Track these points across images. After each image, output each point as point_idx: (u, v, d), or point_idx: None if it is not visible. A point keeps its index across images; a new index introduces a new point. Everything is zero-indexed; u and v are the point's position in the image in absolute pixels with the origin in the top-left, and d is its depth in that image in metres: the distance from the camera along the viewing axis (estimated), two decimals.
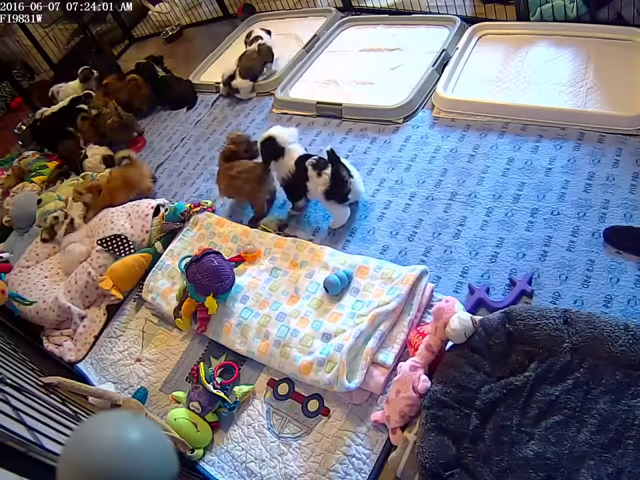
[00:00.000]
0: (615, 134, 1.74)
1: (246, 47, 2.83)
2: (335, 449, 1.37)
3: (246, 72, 2.73)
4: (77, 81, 3.47)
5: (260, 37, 2.76)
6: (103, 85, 3.19)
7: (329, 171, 1.75)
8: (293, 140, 1.89)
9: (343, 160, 1.77)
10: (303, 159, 1.84)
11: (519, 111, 1.95)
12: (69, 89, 3.46)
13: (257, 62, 2.75)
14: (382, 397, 1.39)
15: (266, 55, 2.77)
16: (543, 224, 1.62)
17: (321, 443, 1.40)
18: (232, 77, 2.78)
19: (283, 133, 1.88)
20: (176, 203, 2.19)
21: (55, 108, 3.26)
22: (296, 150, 1.88)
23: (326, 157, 1.76)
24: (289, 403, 1.51)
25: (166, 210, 2.17)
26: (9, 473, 0.79)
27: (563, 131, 1.84)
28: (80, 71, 3.46)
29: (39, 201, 2.63)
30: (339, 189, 1.75)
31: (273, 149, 1.88)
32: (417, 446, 1.19)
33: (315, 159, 1.81)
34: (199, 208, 2.16)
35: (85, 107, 3.05)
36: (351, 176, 1.77)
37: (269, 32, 2.86)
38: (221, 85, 2.85)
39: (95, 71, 3.45)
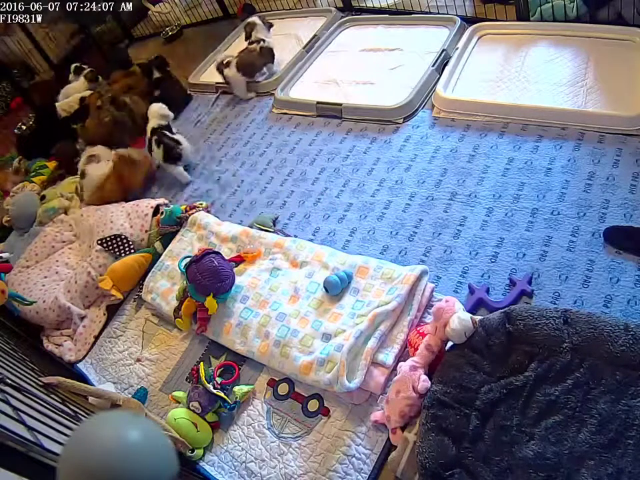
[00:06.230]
0: (615, 134, 1.74)
1: (246, 38, 2.82)
2: (335, 449, 1.37)
3: (244, 66, 2.70)
4: (80, 81, 3.46)
5: (262, 40, 2.75)
6: (112, 81, 3.19)
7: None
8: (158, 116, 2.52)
9: (175, 134, 2.50)
10: (155, 130, 2.47)
11: (519, 110, 1.95)
12: (70, 90, 3.46)
13: (258, 60, 2.74)
14: (382, 397, 1.39)
15: (267, 56, 2.77)
16: (542, 224, 1.62)
17: (321, 443, 1.40)
18: (228, 64, 2.73)
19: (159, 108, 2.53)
20: (172, 206, 2.19)
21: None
22: (152, 123, 2.51)
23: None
24: (289, 403, 1.51)
25: (161, 214, 2.17)
26: (8, 473, 0.79)
27: (563, 130, 1.84)
28: (89, 70, 3.45)
29: (43, 197, 2.64)
30: (170, 154, 2.43)
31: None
32: (416, 446, 1.19)
33: (157, 135, 2.45)
34: (194, 210, 2.16)
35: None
36: (179, 143, 2.45)
37: (270, 25, 2.84)
38: (215, 67, 2.82)
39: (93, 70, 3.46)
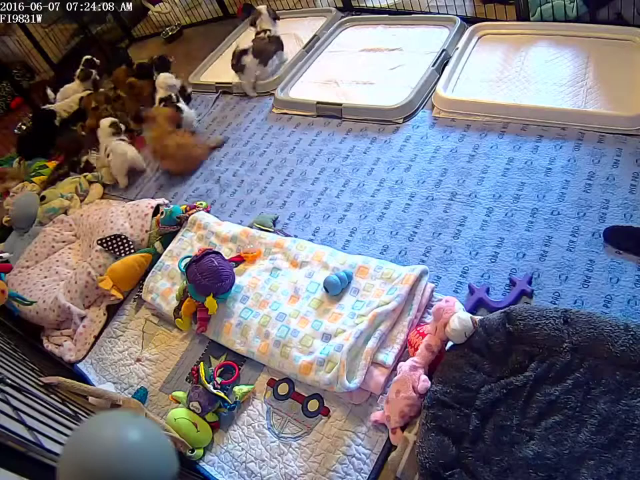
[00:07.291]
0: (615, 134, 1.74)
1: (251, 24, 2.88)
2: (335, 449, 1.37)
3: (259, 52, 2.72)
4: (76, 82, 3.47)
5: (268, 30, 2.76)
6: (128, 84, 3.18)
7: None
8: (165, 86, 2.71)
9: (181, 104, 2.70)
10: (162, 100, 2.66)
11: (519, 110, 1.95)
12: (68, 90, 3.46)
13: (269, 46, 2.76)
14: (382, 397, 1.38)
15: (276, 43, 2.78)
16: (542, 224, 1.62)
17: (320, 443, 1.40)
18: (245, 52, 2.73)
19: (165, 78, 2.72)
20: (172, 206, 2.19)
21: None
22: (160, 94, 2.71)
23: None
24: (289, 403, 1.51)
25: (161, 214, 2.17)
26: (8, 473, 0.79)
27: (563, 131, 1.84)
28: (80, 69, 3.45)
29: (43, 197, 2.64)
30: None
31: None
32: (416, 446, 1.19)
33: (164, 103, 2.65)
34: (194, 210, 2.16)
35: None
36: (181, 111, 2.65)
37: (276, 17, 2.86)
38: (231, 58, 2.81)
39: (93, 70, 3.46)
